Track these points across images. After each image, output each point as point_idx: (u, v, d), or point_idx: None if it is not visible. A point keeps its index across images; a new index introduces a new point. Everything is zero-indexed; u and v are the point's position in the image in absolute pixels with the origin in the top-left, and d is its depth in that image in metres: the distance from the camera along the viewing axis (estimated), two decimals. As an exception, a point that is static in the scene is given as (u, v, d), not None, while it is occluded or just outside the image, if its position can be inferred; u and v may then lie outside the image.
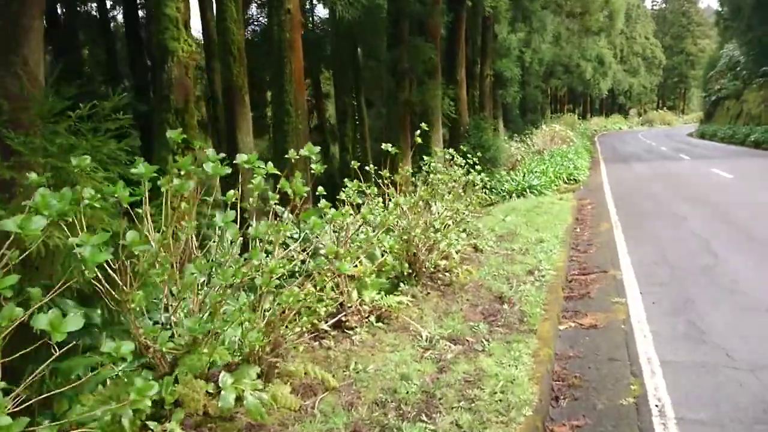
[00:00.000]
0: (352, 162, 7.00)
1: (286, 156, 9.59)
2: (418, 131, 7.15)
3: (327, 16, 19.14)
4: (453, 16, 17.33)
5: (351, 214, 6.40)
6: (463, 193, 9.18)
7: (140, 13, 17.90)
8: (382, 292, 5.66)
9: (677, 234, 9.73)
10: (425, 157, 9.88)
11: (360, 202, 5.67)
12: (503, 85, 28.29)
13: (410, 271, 6.30)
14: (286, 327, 3.98)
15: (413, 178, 12.29)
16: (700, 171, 19.16)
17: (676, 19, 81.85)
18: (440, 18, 14.16)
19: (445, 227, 6.91)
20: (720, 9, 42.81)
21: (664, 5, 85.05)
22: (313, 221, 4.29)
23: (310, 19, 21.68)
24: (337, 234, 5.49)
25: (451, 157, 13.36)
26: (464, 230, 8.69)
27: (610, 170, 21.36)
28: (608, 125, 64.14)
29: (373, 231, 6.07)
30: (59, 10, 16.68)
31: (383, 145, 6.60)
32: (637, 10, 70.76)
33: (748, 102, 35.74)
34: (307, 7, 22.29)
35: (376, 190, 6.93)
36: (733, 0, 34.39)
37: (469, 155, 13.13)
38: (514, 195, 14.92)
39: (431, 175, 7.09)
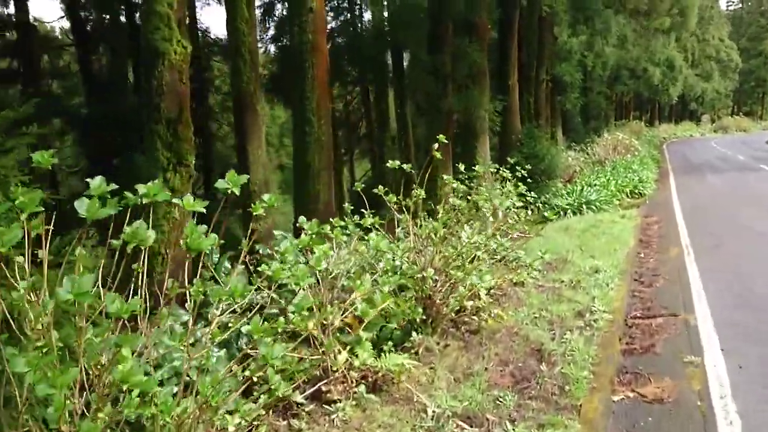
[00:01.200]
0: (356, 184, 5.92)
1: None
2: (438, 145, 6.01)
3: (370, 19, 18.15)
4: (504, 17, 16.03)
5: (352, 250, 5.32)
6: (504, 213, 7.96)
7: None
8: (385, 348, 4.51)
9: (766, 267, 8.11)
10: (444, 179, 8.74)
11: (344, 239, 4.58)
12: (563, 90, 26.58)
13: (425, 316, 5.13)
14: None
15: (452, 194, 11.11)
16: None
17: (753, 19, 76.94)
18: (488, 18, 12.92)
19: (473, 260, 5.70)
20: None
21: (740, 6, 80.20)
22: (276, 269, 3.23)
23: (358, 23, 20.78)
24: (321, 276, 4.38)
25: (495, 170, 12.11)
26: (502, 259, 7.44)
27: (680, 182, 19.40)
28: (678, 132, 60.50)
29: (370, 269, 4.96)
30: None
31: (389, 163, 5.49)
32: (711, 11, 66.73)
33: (838, 107, 32.47)
34: (356, 12, 21.44)
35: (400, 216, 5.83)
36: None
37: (518, 167, 11.86)
38: (569, 211, 13.45)
39: (452, 199, 5.86)
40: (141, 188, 2.60)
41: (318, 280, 4.26)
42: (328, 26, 22.17)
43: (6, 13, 15.21)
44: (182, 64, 6.54)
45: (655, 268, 8.52)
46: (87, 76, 14.75)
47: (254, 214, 3.13)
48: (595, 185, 15.56)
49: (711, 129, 64.72)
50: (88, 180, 2.41)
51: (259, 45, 25.58)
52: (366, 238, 5.94)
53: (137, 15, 14.85)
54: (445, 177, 12.66)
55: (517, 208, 11.59)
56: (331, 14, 22.52)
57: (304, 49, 9.02)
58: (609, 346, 5.23)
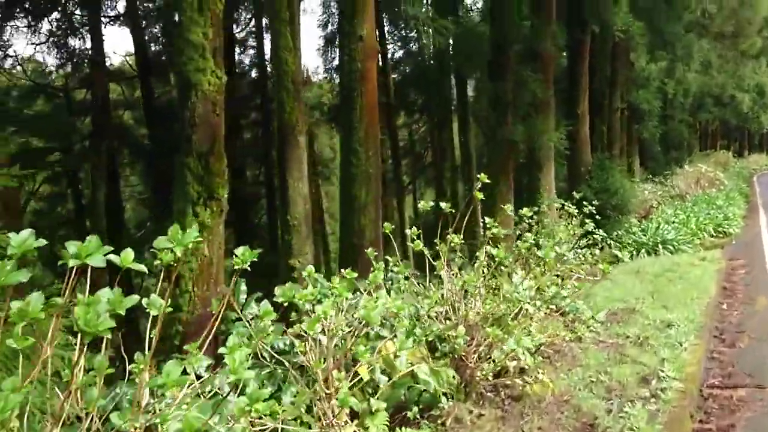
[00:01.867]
0: (385, 224, 5.39)
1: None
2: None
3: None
4: (573, 42, 15.23)
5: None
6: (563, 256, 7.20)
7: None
8: (410, 415, 3.90)
9: None
10: (518, 211, 8.05)
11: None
12: (640, 119, 25.21)
13: (456, 378, 4.49)
14: None
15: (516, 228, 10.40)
16: None
17: None
18: (554, 44, 12.22)
19: (519, 314, 5.01)
20: None
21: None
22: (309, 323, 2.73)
23: (424, 52, 20.46)
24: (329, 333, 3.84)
25: (560, 206, 11.27)
26: (558, 310, 6.67)
27: (772, 220, 17.69)
28: (771, 163, 56.46)
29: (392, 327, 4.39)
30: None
31: (421, 204, 4.93)
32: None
33: None
34: (423, 40, 21.20)
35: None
36: None
37: (585, 202, 10.98)
38: (643, 251, 12.36)
39: (490, 248, 5.21)
40: (159, 242, 2.15)
41: (318, 341, 3.73)
42: (394, 55, 22.04)
43: (81, 47, 15.80)
44: (216, 95, 6.28)
45: (739, 323, 7.47)
46: (149, 108, 15.08)
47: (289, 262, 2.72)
48: (674, 222, 14.34)
49: (808, 159, 60.02)
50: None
51: (324, 75, 25.82)
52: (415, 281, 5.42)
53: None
54: (503, 209, 11.97)
55: (583, 247, 10.76)
56: (399, 44, 22.43)
57: (353, 78, 8.68)
58: (677, 424, 4.40)
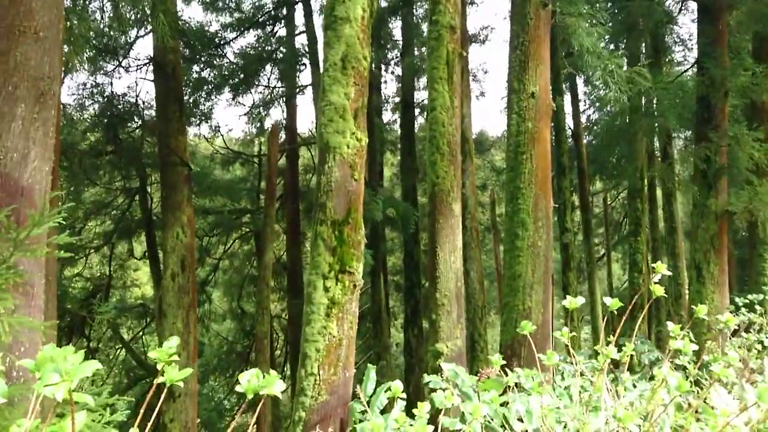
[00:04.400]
0: (571, 302, 4.27)
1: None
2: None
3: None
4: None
5: None
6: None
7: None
8: None
9: None
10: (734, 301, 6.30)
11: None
12: None
13: None
14: None
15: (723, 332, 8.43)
16: None
17: None
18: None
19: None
20: None
21: None
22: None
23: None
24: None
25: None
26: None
27: None
28: None
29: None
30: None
31: (604, 297, 3.77)
32: None
33: None
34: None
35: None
36: None
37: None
38: None
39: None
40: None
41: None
42: (588, 116, 20.48)
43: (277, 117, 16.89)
44: (355, 158, 5.79)
45: None
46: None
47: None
48: None
49: None
50: None
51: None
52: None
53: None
54: (714, 295, 9.85)
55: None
56: (597, 105, 20.83)
57: (521, 140, 7.76)
58: None
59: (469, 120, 11.91)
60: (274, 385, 1.87)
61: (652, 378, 4.47)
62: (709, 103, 9.65)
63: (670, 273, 3.35)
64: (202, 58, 14.72)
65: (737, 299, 8.77)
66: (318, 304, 5.63)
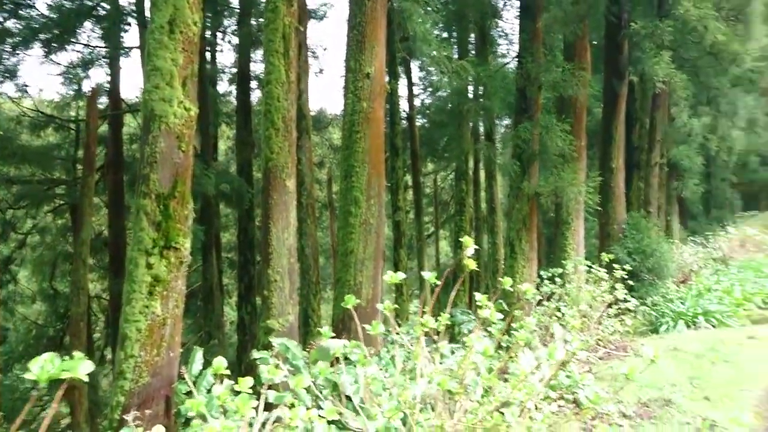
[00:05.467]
0: (391, 276, 4.41)
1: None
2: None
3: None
4: (608, 91, 14.29)
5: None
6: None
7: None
8: None
9: None
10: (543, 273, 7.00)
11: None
12: (680, 176, 23.89)
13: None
14: None
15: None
16: None
17: None
18: (584, 90, 11.31)
19: (520, 414, 3.92)
20: None
21: None
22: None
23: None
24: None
25: (588, 268, 10.12)
26: (574, 401, 5.53)
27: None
28: (820, 227, 53.70)
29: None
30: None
31: (424, 273, 3.90)
32: None
33: None
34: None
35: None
36: None
37: (617, 264, 9.82)
38: (681, 322, 11.03)
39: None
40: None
41: None
42: (422, 100, 21.39)
43: (98, 80, 15.43)
44: (183, 128, 5.50)
45: (800, 425, 6.17)
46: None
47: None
48: (716, 290, 12.95)
49: None
50: None
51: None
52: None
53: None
54: (524, 270, 10.85)
55: (612, 316, 9.56)
56: (430, 89, 21.79)
57: (356, 120, 7.90)
58: None
59: (307, 96, 11.85)
60: (79, 368, 1.74)
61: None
62: (525, 94, 10.55)
63: (477, 247, 3.62)
64: (6, 6, 12.93)
65: (542, 273, 9.80)
66: (140, 281, 5.30)
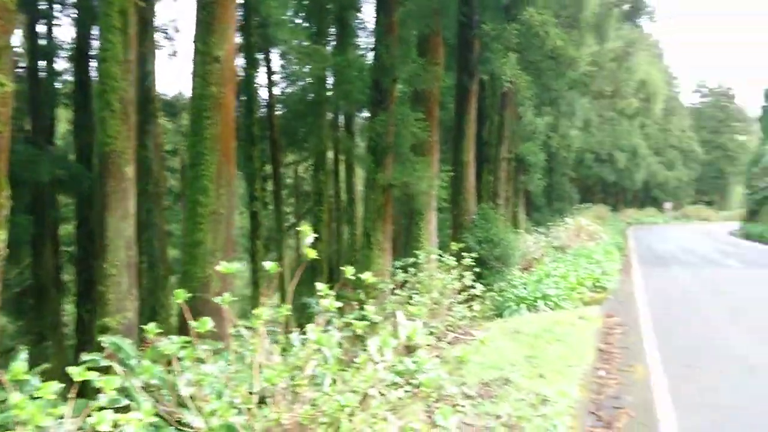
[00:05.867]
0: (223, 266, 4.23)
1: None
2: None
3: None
4: (460, 88, 14.95)
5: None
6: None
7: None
8: None
9: (753, 405, 6.50)
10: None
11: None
12: (526, 170, 25.73)
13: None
14: None
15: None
16: (761, 287, 15.78)
17: (713, 113, 79.64)
18: (437, 85, 11.72)
19: (363, 401, 3.94)
20: (766, 103, 40.37)
21: (702, 99, 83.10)
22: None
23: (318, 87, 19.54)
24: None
25: (438, 257, 10.52)
26: (419, 386, 5.70)
27: (645, 276, 18.13)
28: (642, 218, 60.67)
29: None
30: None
31: (267, 264, 3.81)
32: (673, 103, 68.87)
33: (800, 203, 32.37)
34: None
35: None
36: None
37: (466, 253, 10.29)
38: (524, 306, 11.84)
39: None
40: None
41: None
42: (282, 89, 21.01)
43: None
44: (-4, 106, 4.88)
45: (617, 394, 6.86)
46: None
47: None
48: (554, 276, 14.06)
49: (674, 217, 65.18)
50: None
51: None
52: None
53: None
54: (380, 259, 11.00)
55: (461, 302, 10.00)
56: (287, 80, 21.41)
57: (205, 105, 7.53)
58: None
59: (154, 78, 11.13)
60: None
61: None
62: (381, 86, 10.69)
63: (312, 237, 3.56)
64: None
65: (396, 262, 10.03)
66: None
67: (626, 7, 17.08)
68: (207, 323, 3.15)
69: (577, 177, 42.30)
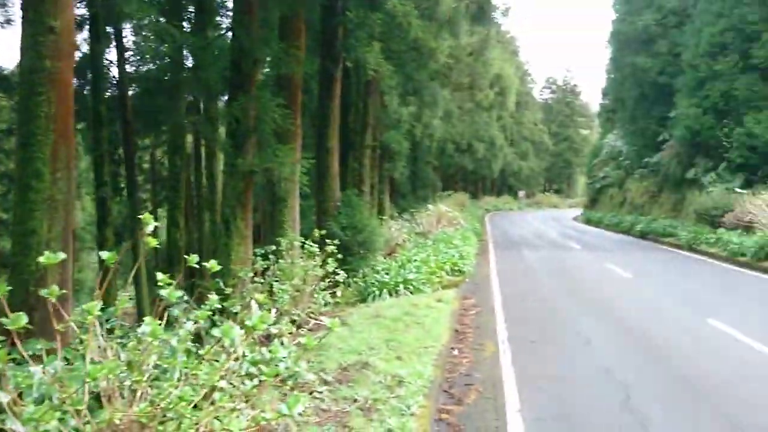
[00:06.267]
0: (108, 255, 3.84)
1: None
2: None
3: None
4: (324, 74, 14.87)
5: None
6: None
7: None
8: None
9: (587, 374, 7.14)
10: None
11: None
12: (391, 158, 26.26)
13: None
14: None
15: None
16: (594, 267, 17.41)
17: (560, 108, 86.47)
18: (300, 70, 11.53)
19: (211, 393, 3.78)
20: (603, 101, 44.39)
21: (551, 95, 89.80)
22: None
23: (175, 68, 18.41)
24: None
25: (300, 244, 10.43)
26: (276, 375, 5.62)
27: (500, 259, 19.32)
28: (499, 205, 64.76)
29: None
30: None
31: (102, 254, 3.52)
32: (526, 97, 73.85)
33: (631, 191, 36.10)
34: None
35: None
36: (618, 93, 35.14)
37: (329, 240, 10.28)
38: (385, 291, 12.09)
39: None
40: None
41: None
42: (136, 68, 19.60)
43: None
44: None
45: (468, 372, 7.22)
46: None
47: None
48: (416, 261, 14.51)
49: (527, 203, 70.11)
50: None
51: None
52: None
53: None
54: (240, 247, 10.69)
55: (324, 288, 9.99)
56: (140, 59, 19.94)
57: (38, 80, 6.78)
58: None
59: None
60: None
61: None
62: (241, 68, 10.30)
63: (152, 225, 3.35)
64: None
65: (257, 250, 9.79)
66: None
67: (474, 8, 17.94)
68: (22, 319, 2.83)
69: (439, 165, 44.00)
